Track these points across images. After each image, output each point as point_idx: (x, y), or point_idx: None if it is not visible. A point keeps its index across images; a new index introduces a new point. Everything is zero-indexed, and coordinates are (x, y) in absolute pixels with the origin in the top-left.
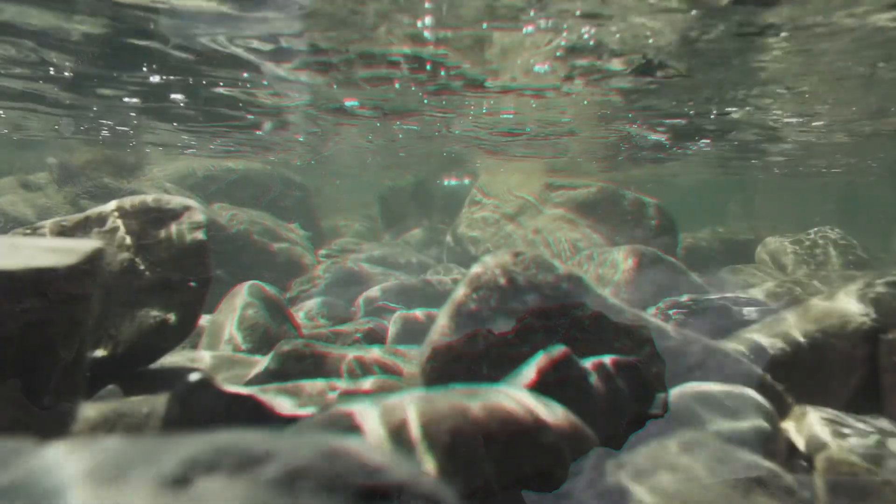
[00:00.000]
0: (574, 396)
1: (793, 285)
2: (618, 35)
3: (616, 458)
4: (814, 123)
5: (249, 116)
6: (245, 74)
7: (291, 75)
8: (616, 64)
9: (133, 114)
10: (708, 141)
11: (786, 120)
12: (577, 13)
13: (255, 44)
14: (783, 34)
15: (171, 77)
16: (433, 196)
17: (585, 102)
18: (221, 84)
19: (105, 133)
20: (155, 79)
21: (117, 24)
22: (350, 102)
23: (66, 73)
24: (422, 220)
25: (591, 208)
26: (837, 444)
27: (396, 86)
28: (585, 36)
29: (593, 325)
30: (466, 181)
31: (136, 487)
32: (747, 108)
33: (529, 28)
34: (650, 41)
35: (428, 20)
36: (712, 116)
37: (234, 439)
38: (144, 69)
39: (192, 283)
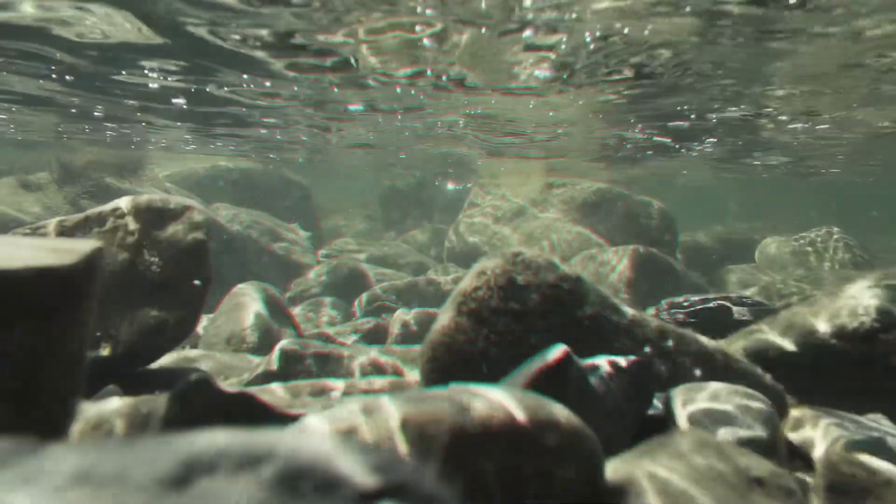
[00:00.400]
0: (574, 396)
1: (792, 285)
2: (625, 30)
3: (615, 459)
4: (818, 127)
5: (250, 117)
6: (245, 76)
7: (292, 75)
8: (617, 66)
9: (139, 114)
10: (714, 140)
11: (791, 126)
12: (573, 16)
13: (257, 41)
14: (792, 37)
15: (173, 78)
16: (434, 196)
17: (581, 102)
18: (224, 86)
19: (110, 133)
20: (154, 75)
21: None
22: (354, 107)
23: (69, 77)
24: (422, 220)
25: (591, 208)
26: (837, 443)
27: (398, 90)
28: (588, 38)
29: (593, 325)
30: (468, 185)
31: (136, 488)
32: (747, 108)
33: (528, 32)
34: (654, 43)
35: (429, 12)
36: (714, 121)
37: (234, 439)
38: (146, 71)
39: (196, 283)
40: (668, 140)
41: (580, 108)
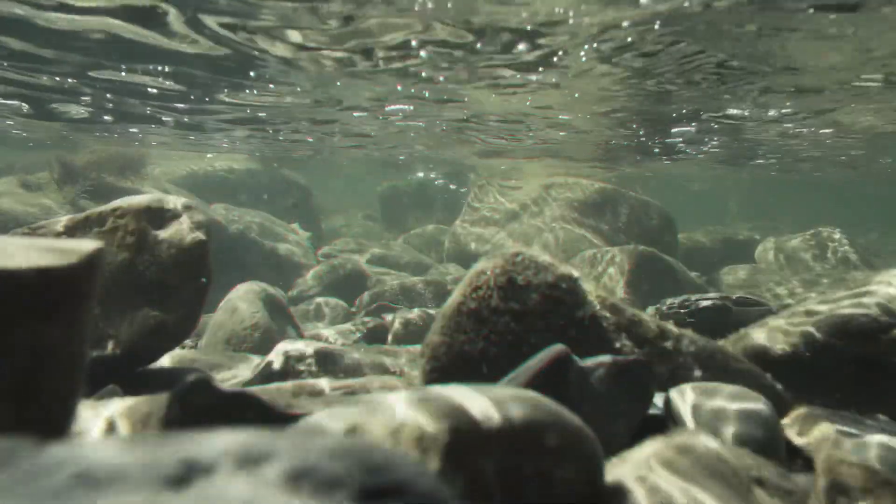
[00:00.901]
0: (574, 396)
1: (792, 284)
2: (627, 38)
3: (615, 458)
4: (822, 130)
5: (253, 118)
6: (252, 73)
7: (294, 67)
8: (617, 66)
9: (150, 109)
10: (717, 141)
11: (796, 130)
12: (570, 22)
13: (262, 35)
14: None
15: (174, 81)
16: (434, 196)
17: (576, 95)
18: (229, 85)
19: (115, 135)
20: (159, 76)
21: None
22: (357, 114)
23: (71, 80)
24: (422, 220)
25: (590, 208)
26: (837, 443)
27: (399, 88)
28: (584, 50)
29: (593, 324)
30: (468, 186)
31: (136, 488)
32: (749, 109)
33: (522, 46)
34: (657, 44)
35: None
36: (714, 126)
37: (234, 438)
38: (151, 67)
39: (195, 283)
40: (668, 141)
41: (579, 109)
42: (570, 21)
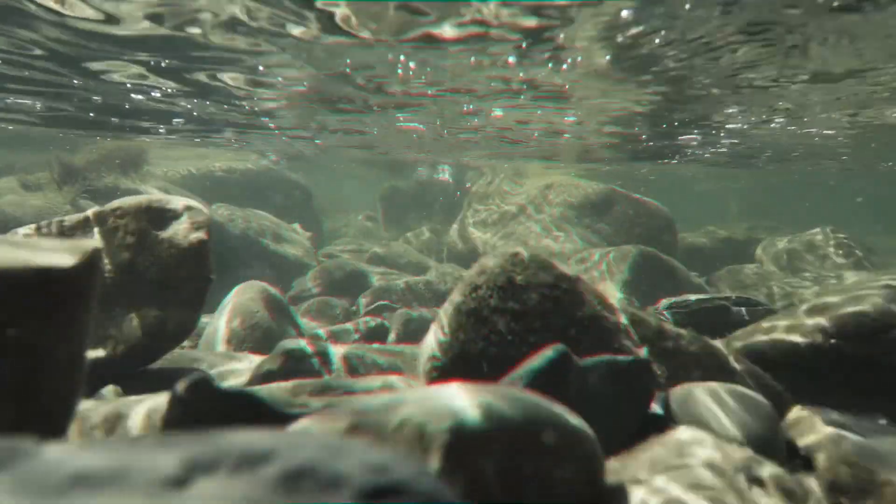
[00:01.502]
0: (574, 396)
1: (792, 284)
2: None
3: (615, 459)
4: (821, 131)
5: (254, 118)
6: (261, 67)
7: (299, 59)
8: (620, 70)
9: (163, 106)
10: (729, 142)
11: (804, 131)
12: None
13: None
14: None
15: (175, 84)
16: (434, 197)
17: (568, 85)
18: (230, 81)
19: (109, 132)
20: (162, 82)
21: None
22: (359, 113)
23: (77, 83)
24: (423, 220)
25: (590, 208)
26: (837, 443)
27: (398, 85)
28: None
29: (592, 325)
30: (468, 185)
31: (136, 488)
32: (752, 109)
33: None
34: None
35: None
36: (721, 137)
37: (234, 438)
38: (162, 69)
39: (195, 283)
40: (676, 143)
41: (583, 110)
42: (573, 24)
